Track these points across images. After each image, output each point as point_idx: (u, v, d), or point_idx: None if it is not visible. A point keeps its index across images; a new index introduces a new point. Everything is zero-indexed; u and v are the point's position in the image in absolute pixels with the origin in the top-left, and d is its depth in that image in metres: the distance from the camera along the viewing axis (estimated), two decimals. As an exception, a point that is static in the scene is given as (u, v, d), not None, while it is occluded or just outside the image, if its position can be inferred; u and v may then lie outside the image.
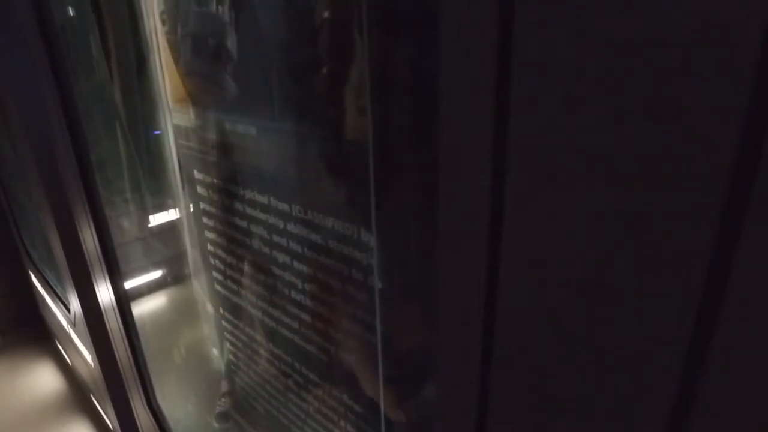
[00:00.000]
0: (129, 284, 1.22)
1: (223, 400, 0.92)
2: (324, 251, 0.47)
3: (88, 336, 1.63)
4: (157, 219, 0.93)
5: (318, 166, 0.45)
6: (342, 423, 0.57)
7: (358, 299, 0.45)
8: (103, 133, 0.96)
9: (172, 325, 1.18)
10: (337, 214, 0.44)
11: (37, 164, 1.34)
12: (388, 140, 0.37)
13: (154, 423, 1.36)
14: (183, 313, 1.01)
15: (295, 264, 0.53)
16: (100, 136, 0.98)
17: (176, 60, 0.58)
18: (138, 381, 1.38)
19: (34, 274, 2.31)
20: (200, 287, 0.82)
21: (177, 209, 0.79)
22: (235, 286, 0.67)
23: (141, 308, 1.26)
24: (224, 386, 0.90)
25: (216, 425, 0.68)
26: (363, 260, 0.43)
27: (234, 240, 0.62)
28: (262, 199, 0.53)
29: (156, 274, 1.13)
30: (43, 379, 2.43)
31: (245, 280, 0.64)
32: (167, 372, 1.32)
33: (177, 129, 0.66)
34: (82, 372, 2.09)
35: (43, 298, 2.28)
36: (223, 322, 0.75)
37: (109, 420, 1.93)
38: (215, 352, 0.87)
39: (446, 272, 0.33)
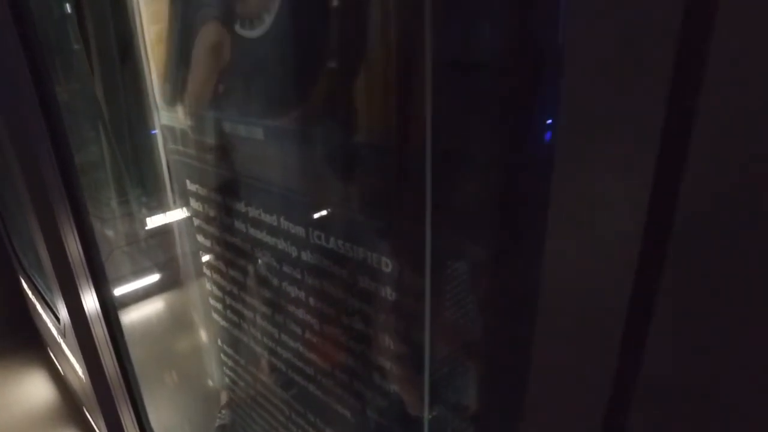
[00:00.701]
0: (116, 293, 1.13)
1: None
2: (357, 292, 0.36)
3: (77, 346, 1.55)
4: (145, 225, 0.84)
5: (349, 180, 0.35)
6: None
7: (398, 352, 0.35)
8: (87, 134, 0.86)
9: (164, 337, 1.09)
10: (372, 244, 0.33)
11: (21, 169, 1.25)
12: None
13: (146, 444, 1.26)
14: (175, 325, 0.92)
15: (313, 302, 0.42)
16: (83, 137, 0.89)
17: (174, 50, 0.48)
18: (128, 398, 1.29)
19: (26, 282, 2.22)
20: (195, 311, 0.72)
21: (166, 217, 0.70)
22: (237, 319, 0.56)
23: (131, 318, 1.17)
24: (223, 398, 0.83)
25: None
26: (404, 306, 0.33)
27: (236, 266, 0.52)
28: (271, 219, 0.43)
29: (145, 282, 1.04)
30: (34, 389, 2.36)
31: (250, 312, 0.53)
32: (161, 387, 1.23)
33: (166, 131, 0.55)
34: (74, 383, 2.01)
35: (35, 306, 2.20)
36: (222, 356, 0.64)
37: (102, 434, 1.85)
38: (210, 383, 0.77)
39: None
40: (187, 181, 0.53)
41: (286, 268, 0.43)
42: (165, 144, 0.56)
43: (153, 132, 0.64)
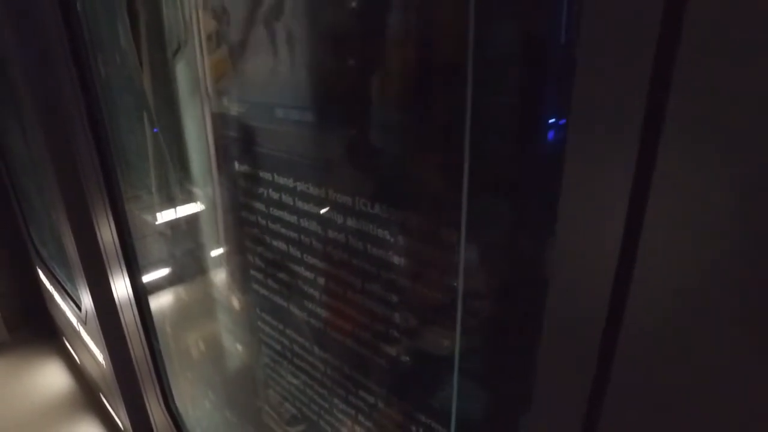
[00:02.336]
0: (148, 279, 1.18)
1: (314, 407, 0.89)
2: (402, 251, 0.43)
3: (100, 334, 1.60)
4: (182, 215, 0.90)
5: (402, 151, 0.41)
6: None
7: (434, 303, 0.42)
8: (129, 124, 0.92)
9: (195, 323, 1.15)
10: (412, 207, 0.40)
11: (51, 158, 1.30)
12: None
13: (171, 424, 1.32)
14: (207, 312, 0.98)
15: (356, 262, 0.49)
16: (125, 128, 0.95)
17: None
18: (155, 380, 1.34)
19: (43, 272, 2.28)
20: (232, 285, 0.78)
21: (208, 203, 0.76)
22: (278, 286, 0.63)
23: (160, 304, 1.23)
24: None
25: (289, 429, 0.64)
26: (444, 261, 0.39)
27: (279, 236, 0.58)
28: (318, 191, 0.49)
29: (177, 271, 1.10)
30: (50, 378, 2.41)
31: (291, 280, 0.60)
32: (188, 371, 1.29)
33: (216, 117, 0.62)
34: (92, 371, 2.06)
35: (52, 296, 2.26)
36: (260, 323, 0.71)
37: (120, 420, 1.90)
38: (239, 348, 0.84)
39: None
40: (236, 162, 0.60)
41: (331, 234, 0.50)
42: (214, 130, 0.63)
43: (155, 130, 0.69)
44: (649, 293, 0.26)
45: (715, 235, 0.22)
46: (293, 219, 0.54)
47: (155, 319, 1.23)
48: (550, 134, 0.31)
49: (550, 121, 0.31)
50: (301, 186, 0.51)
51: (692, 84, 0.22)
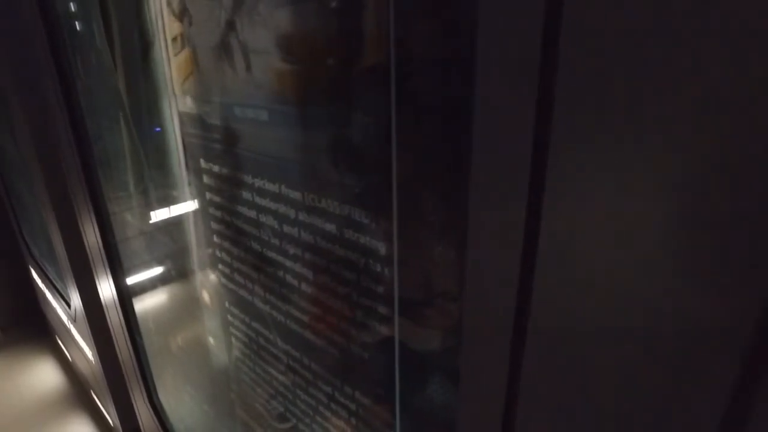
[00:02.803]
0: (131, 279, 1.20)
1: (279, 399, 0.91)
2: (338, 241, 0.45)
3: (89, 331, 1.62)
4: (160, 214, 0.91)
5: (333, 151, 0.43)
6: (353, 420, 0.55)
7: (374, 290, 0.44)
8: (107, 124, 0.94)
9: (175, 320, 1.17)
10: (352, 201, 0.42)
11: (38, 157, 1.32)
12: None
13: (155, 419, 1.34)
14: (186, 308, 1.00)
15: (308, 255, 0.51)
16: (103, 127, 0.97)
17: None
18: (139, 377, 1.37)
19: (35, 270, 2.30)
20: (204, 281, 0.80)
21: (182, 202, 0.78)
22: (242, 280, 0.65)
23: (143, 303, 1.25)
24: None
25: (278, 426, 0.67)
26: (380, 250, 0.41)
27: (242, 231, 0.60)
28: (273, 187, 0.51)
29: (159, 270, 1.12)
30: (43, 375, 2.43)
31: (254, 273, 0.62)
32: (169, 367, 1.31)
33: (183, 117, 0.64)
34: (83, 368, 2.08)
35: (44, 294, 2.27)
36: (229, 316, 0.73)
37: (110, 416, 1.92)
38: (211, 341, 0.86)
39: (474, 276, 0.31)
40: (201, 160, 0.62)
41: (286, 228, 0.52)
42: (182, 128, 0.65)
43: (157, 130, 0.72)
44: (550, 294, 0.28)
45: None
46: (252, 214, 0.56)
47: (139, 316, 1.25)
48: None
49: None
50: (258, 182, 0.53)
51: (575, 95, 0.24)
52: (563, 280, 0.27)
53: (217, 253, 0.68)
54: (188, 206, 0.76)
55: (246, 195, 0.56)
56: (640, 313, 0.24)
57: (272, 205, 0.53)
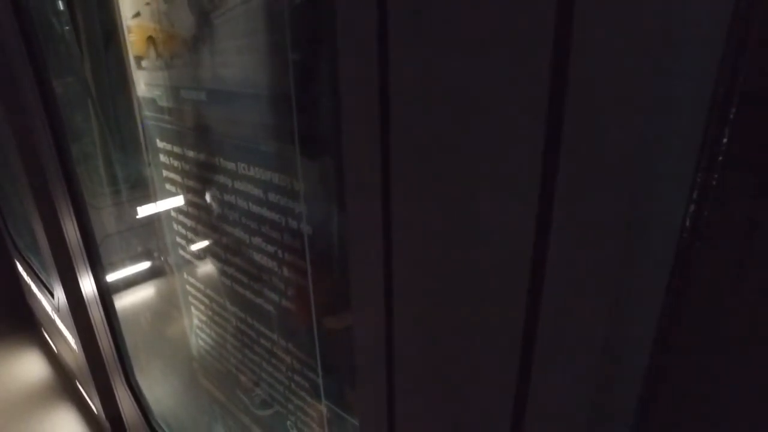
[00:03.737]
0: (110, 271, 1.25)
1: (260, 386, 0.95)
2: (265, 203, 0.51)
3: (72, 322, 1.66)
4: (127, 193, 0.96)
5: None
6: (289, 373, 0.61)
7: (294, 247, 0.50)
8: (80, 114, 0.99)
9: (144, 297, 1.22)
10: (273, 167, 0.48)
11: (19, 152, 1.36)
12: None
13: (132, 399, 1.39)
14: (152, 284, 1.05)
15: (243, 219, 0.57)
16: (77, 121, 1.01)
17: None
18: (117, 361, 1.41)
19: (20, 262, 2.32)
20: (166, 255, 0.86)
21: (148, 183, 0.83)
22: (193, 248, 0.71)
23: (122, 297, 1.29)
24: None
25: (260, 413, 0.71)
26: (295, 209, 0.47)
27: (191, 203, 0.66)
28: (213, 160, 0.57)
29: (131, 250, 1.16)
30: (29, 367, 2.45)
31: (202, 241, 0.68)
32: (143, 347, 1.36)
33: (140, 101, 0.70)
34: (68, 358, 2.11)
35: (29, 286, 2.30)
36: (187, 286, 0.79)
37: (93, 404, 1.96)
38: (173, 312, 0.90)
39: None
40: (157, 140, 0.68)
41: (227, 198, 0.58)
42: (140, 111, 0.71)
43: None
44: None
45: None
46: (199, 186, 0.63)
47: (120, 307, 1.29)
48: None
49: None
50: (194, 155, 0.59)
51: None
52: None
53: (174, 225, 0.74)
54: (151, 185, 0.81)
55: (192, 169, 0.62)
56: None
57: (209, 175, 0.59)
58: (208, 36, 0.51)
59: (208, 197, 0.62)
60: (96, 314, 1.41)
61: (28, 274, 2.23)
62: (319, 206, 0.45)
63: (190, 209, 0.68)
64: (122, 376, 1.44)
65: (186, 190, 0.67)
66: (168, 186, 0.71)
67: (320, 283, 0.49)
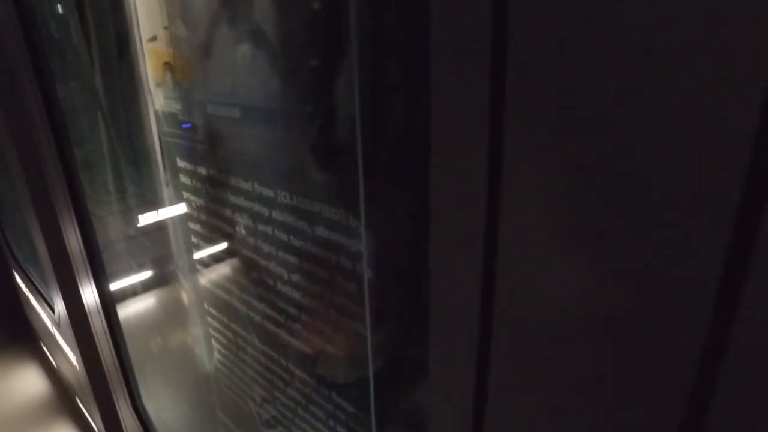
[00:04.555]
0: (114, 283, 1.19)
1: (266, 406, 0.90)
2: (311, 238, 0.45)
3: (73, 337, 1.60)
4: (145, 217, 0.90)
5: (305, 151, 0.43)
6: (331, 422, 0.54)
7: (347, 289, 0.43)
8: (87, 126, 0.93)
9: (157, 322, 1.15)
10: (323, 199, 0.42)
11: (20, 160, 1.30)
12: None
13: (138, 424, 1.32)
14: (170, 313, 0.99)
15: (281, 253, 0.50)
16: (83, 129, 0.95)
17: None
18: (123, 381, 1.35)
19: (18, 274, 2.26)
20: (184, 282, 0.79)
21: (163, 202, 0.77)
22: (220, 280, 0.64)
23: (126, 305, 1.23)
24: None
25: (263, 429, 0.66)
26: (351, 247, 0.41)
27: (218, 230, 0.59)
28: (247, 185, 0.51)
29: (141, 273, 1.10)
30: (27, 382, 2.39)
31: (232, 273, 0.61)
32: (153, 372, 1.30)
33: (159, 115, 0.63)
34: (67, 374, 2.05)
35: (28, 299, 2.24)
36: (209, 318, 0.72)
37: (95, 423, 1.89)
38: (192, 342, 0.84)
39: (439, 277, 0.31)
40: (178, 160, 0.61)
41: (261, 227, 0.51)
42: (159, 127, 0.64)
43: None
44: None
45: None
46: (228, 213, 0.56)
47: (122, 319, 1.23)
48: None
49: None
50: (233, 180, 0.53)
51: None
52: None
53: (196, 253, 0.67)
54: (168, 204, 0.75)
55: (222, 193, 0.56)
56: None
57: (245, 203, 0.53)
58: (251, 48, 0.45)
59: (239, 226, 0.55)
60: (99, 327, 1.35)
61: (27, 287, 2.17)
62: (388, 246, 0.39)
63: (215, 235, 0.61)
64: (126, 396, 1.37)
65: (210, 214, 0.60)
66: (190, 210, 0.64)
67: (382, 335, 0.43)
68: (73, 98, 0.92)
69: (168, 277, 0.90)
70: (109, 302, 1.21)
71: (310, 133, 0.44)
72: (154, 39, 0.56)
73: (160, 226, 0.85)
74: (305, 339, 0.53)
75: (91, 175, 0.98)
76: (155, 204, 0.79)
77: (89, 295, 1.27)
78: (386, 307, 0.43)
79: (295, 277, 0.50)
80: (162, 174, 0.68)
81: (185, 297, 0.80)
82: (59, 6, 0.83)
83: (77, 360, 1.72)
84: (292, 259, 0.49)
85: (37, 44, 0.87)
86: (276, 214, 0.48)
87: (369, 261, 0.40)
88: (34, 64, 0.89)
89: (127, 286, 1.20)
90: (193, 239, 0.66)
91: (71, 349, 1.77)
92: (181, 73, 0.55)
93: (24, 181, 1.34)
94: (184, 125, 0.59)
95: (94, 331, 1.46)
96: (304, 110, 0.43)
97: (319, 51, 0.40)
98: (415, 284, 0.40)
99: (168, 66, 0.56)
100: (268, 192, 0.48)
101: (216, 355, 0.75)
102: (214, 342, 0.74)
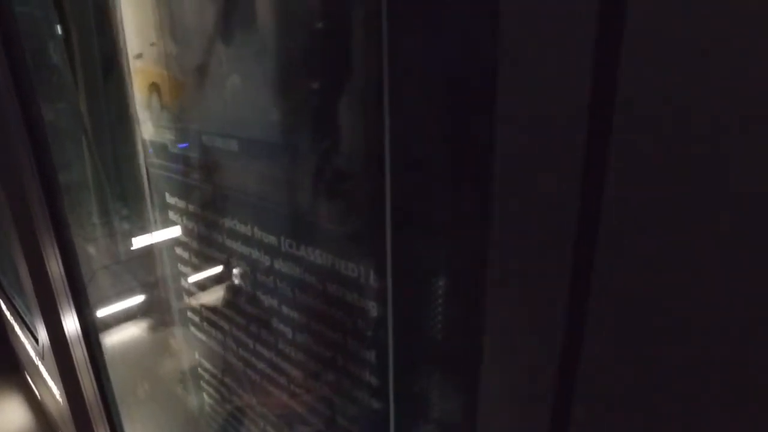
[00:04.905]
0: (98, 314, 1.12)
1: None
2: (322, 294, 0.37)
3: (56, 369, 1.52)
4: (129, 245, 0.83)
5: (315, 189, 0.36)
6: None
7: (362, 356, 0.36)
8: (71, 151, 0.87)
9: (145, 359, 1.07)
10: (337, 249, 0.35)
11: (3, 188, 1.24)
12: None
13: (124, 470, 1.23)
14: (153, 351, 0.91)
15: (285, 309, 0.43)
16: (67, 154, 0.89)
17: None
18: (104, 416, 1.27)
19: (3, 301, 2.18)
20: (173, 328, 0.72)
21: (149, 235, 0.70)
22: (214, 331, 0.57)
23: (110, 341, 1.16)
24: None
25: None
26: (370, 308, 0.34)
27: (212, 276, 0.52)
28: (245, 229, 0.44)
29: (126, 306, 1.03)
30: (11, 413, 2.29)
31: (227, 324, 0.54)
32: (139, 410, 1.21)
33: (147, 144, 0.56)
34: (51, 407, 1.96)
35: (12, 327, 2.15)
36: (199, 369, 0.64)
37: (79, 461, 1.78)
38: (180, 390, 0.76)
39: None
40: (167, 194, 0.54)
41: (260, 276, 0.44)
42: (146, 157, 0.57)
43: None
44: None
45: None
46: (223, 257, 0.49)
47: (106, 355, 1.15)
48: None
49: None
50: (228, 222, 0.46)
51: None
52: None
53: (186, 298, 0.60)
54: (154, 240, 0.68)
55: (214, 234, 0.49)
56: None
57: (241, 247, 0.46)
58: (251, 73, 0.38)
59: (235, 276, 0.48)
60: (80, 358, 1.27)
61: (11, 315, 2.08)
62: (418, 314, 0.32)
63: (207, 282, 0.54)
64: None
65: (203, 258, 0.53)
66: (177, 247, 0.57)
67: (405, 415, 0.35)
68: (58, 121, 0.86)
69: (155, 315, 0.82)
70: (91, 331, 1.13)
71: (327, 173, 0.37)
72: (140, 56, 0.50)
73: (147, 262, 0.78)
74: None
75: (76, 208, 0.91)
76: (142, 239, 0.71)
77: (71, 324, 1.20)
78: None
79: (300, 338, 0.43)
80: (150, 210, 0.61)
81: (173, 343, 0.73)
82: (39, 13, 0.77)
83: (60, 395, 1.64)
84: (298, 317, 0.42)
85: (18, 59, 0.81)
86: (279, 264, 0.41)
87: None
88: (15, 82, 0.82)
89: (111, 318, 1.13)
90: (183, 283, 0.59)
91: (54, 383, 1.69)
92: (169, 95, 0.48)
93: (7, 208, 1.28)
94: (174, 155, 0.52)
95: (75, 362, 1.39)
96: (322, 146, 0.36)
97: (350, 77, 0.33)
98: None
99: (155, 87, 0.49)
100: (270, 239, 0.41)
101: (207, 409, 0.67)
102: (205, 396, 0.66)
